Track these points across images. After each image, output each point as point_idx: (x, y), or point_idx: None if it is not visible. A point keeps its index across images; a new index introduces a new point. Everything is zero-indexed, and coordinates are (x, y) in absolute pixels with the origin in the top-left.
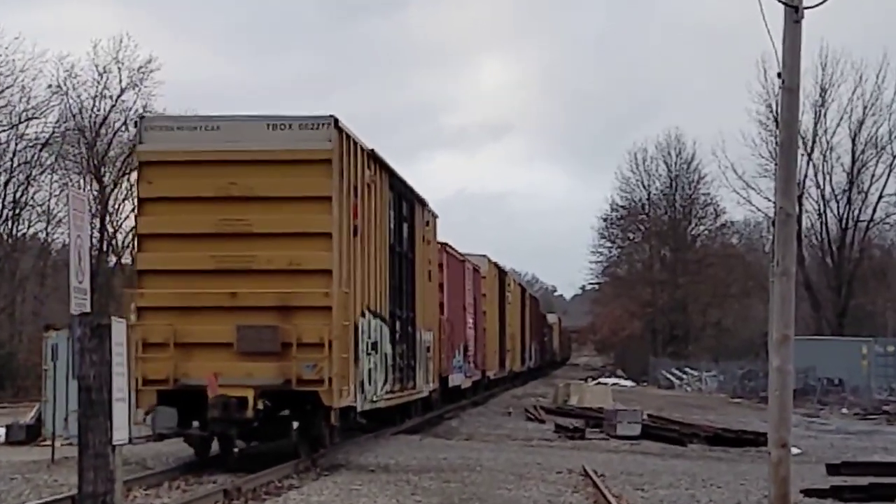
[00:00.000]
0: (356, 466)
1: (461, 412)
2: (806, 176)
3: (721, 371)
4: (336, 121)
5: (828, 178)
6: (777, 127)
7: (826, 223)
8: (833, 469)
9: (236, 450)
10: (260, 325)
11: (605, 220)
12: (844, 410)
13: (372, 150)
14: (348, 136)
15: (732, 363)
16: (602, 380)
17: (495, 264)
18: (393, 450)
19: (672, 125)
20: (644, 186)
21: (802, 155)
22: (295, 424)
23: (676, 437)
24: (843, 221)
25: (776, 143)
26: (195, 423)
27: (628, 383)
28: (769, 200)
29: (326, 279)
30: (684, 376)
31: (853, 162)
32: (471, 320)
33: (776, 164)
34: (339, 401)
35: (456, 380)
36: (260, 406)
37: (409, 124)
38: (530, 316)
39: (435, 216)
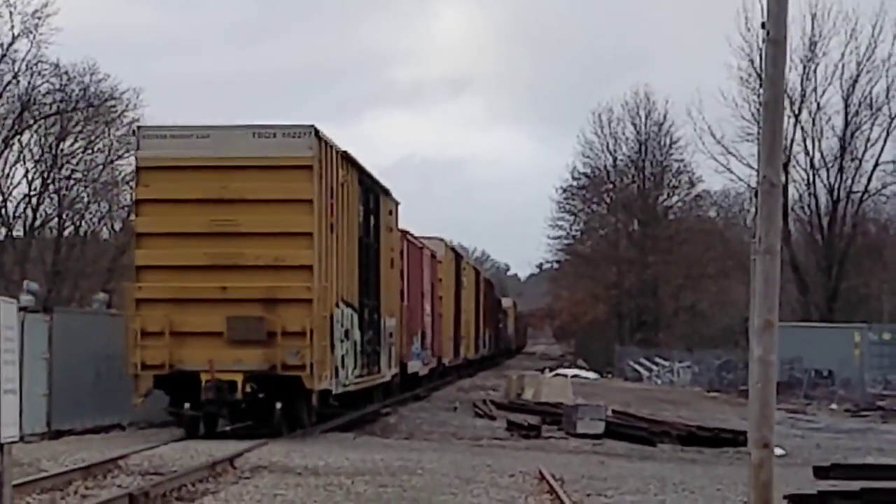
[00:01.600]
0: (280, 468)
1: (400, 407)
2: (793, 141)
3: (696, 361)
4: (316, 130)
5: (817, 143)
6: (760, 85)
7: (815, 194)
8: (821, 472)
9: (228, 429)
10: (248, 316)
11: (565, 190)
12: (834, 406)
13: (345, 152)
14: (326, 143)
15: (708, 353)
16: (561, 371)
17: (452, 248)
18: (322, 449)
19: (641, 81)
20: (609, 152)
21: (789, 117)
22: (278, 406)
23: (645, 435)
24: (835, 193)
25: (759, 103)
26: (187, 405)
27: (591, 375)
28: (751, 168)
29: (308, 274)
30: (654, 367)
31: (846, 125)
32: (428, 307)
33: (759, 127)
34: (319, 384)
35: (414, 366)
36: (248, 389)
37: (354, 78)
38: (485, 301)
39: (397, 203)
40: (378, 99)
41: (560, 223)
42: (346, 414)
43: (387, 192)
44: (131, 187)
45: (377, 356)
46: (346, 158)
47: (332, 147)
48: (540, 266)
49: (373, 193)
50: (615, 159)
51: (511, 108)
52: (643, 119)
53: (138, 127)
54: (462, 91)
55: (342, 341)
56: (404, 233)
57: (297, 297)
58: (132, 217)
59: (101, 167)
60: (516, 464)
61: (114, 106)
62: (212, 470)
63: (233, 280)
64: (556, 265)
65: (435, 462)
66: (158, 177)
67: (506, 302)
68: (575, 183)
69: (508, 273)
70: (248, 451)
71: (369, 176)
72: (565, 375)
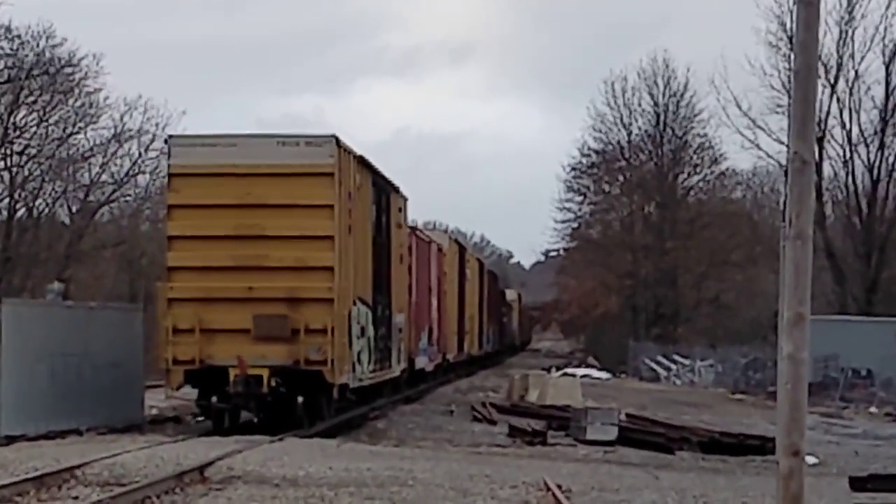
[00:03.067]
0: (256, 478)
1: (390, 410)
2: (828, 113)
3: (719, 360)
4: (337, 140)
5: (855, 115)
6: (792, 50)
7: (853, 173)
8: (858, 483)
9: (255, 420)
10: (273, 314)
11: (574, 168)
12: (873, 409)
13: (361, 157)
14: (345, 150)
15: (733, 350)
16: (569, 370)
17: (456, 241)
18: (302, 457)
19: (659, 47)
20: (623, 125)
21: (824, 86)
22: (300, 399)
23: (662, 442)
24: (875, 171)
25: (790, 70)
26: (214, 398)
27: (602, 375)
28: (781, 143)
29: (329, 275)
30: (673, 366)
31: (887, 95)
32: (434, 302)
33: (790, 98)
34: (339, 378)
35: (421, 362)
36: (273, 383)
37: (343, 44)
38: (489, 294)
39: (405, 199)
40: (370, 68)
41: (568, 205)
42: (353, 409)
43: (396, 190)
44: (90, 164)
45: (388, 352)
46: (362, 163)
47: (350, 153)
48: (546, 253)
49: (384, 193)
50: (630, 134)
51: (516, 77)
52: (661, 89)
53: (170, 136)
54: (463, 60)
55: (358, 338)
56: (412, 228)
57: (318, 296)
58: (165, 221)
59: (57, 142)
60: (519, 474)
61: (71, 74)
62: (179, 480)
63: (258, 280)
64: (563, 252)
65: (428, 472)
66: (188, 183)
67: (510, 294)
68: (585, 161)
69: (511, 261)
70: (220, 458)
71: (381, 176)
72: (574, 375)
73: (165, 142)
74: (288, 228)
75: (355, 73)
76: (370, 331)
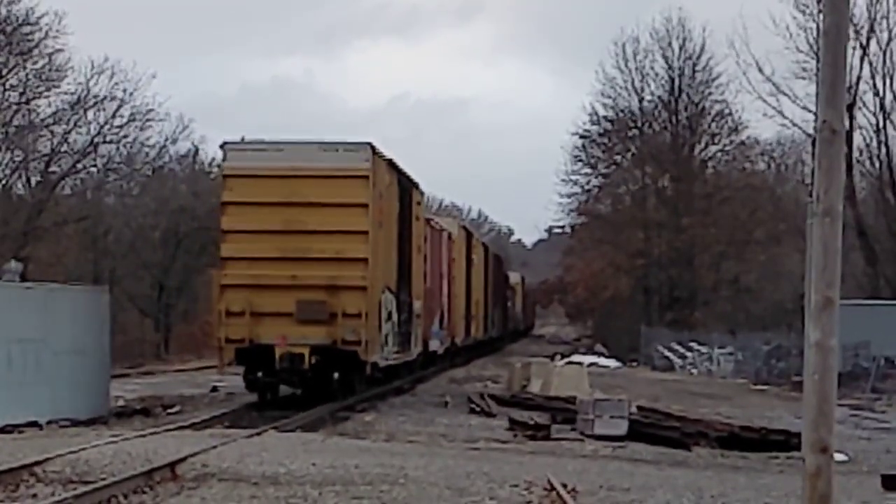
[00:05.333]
0: (232, 475)
1: (379, 402)
2: (860, 78)
3: (739, 347)
4: (372, 147)
5: (889, 80)
6: (820, 9)
7: (886, 143)
8: (890, 482)
9: (298, 392)
10: (313, 300)
11: (583, 136)
12: None
13: (390, 160)
14: (378, 155)
15: (755, 336)
16: (575, 358)
17: (464, 227)
18: (283, 453)
19: (674, 4)
20: (635, 91)
21: (854, 49)
22: (335, 375)
23: (677, 437)
24: None
25: (818, 31)
26: (259, 374)
27: (611, 363)
28: (808, 111)
29: (364, 266)
30: (689, 354)
31: None
32: (445, 288)
33: (818, 62)
34: (371, 357)
35: (434, 345)
36: (313, 361)
37: (337, 1)
38: (493, 278)
39: (422, 193)
40: (367, 27)
41: (575, 178)
42: (386, 383)
43: (416, 186)
44: (51, 132)
45: (409, 335)
46: (391, 165)
47: (381, 157)
48: (549, 230)
49: (407, 190)
50: (642, 100)
51: (524, 37)
52: (676, 51)
53: (225, 142)
54: (470, 18)
55: (386, 322)
56: (428, 220)
57: (354, 284)
58: (220, 217)
59: (14, 108)
60: (520, 471)
61: (30, 33)
62: (148, 478)
63: (301, 270)
64: (569, 229)
65: (421, 469)
66: (240, 183)
67: (513, 277)
68: (594, 129)
69: (512, 239)
70: (193, 454)
71: (405, 175)
72: (580, 363)
73: (221, 147)
74: (328, 224)
75: (350, 31)
76: (395, 316)
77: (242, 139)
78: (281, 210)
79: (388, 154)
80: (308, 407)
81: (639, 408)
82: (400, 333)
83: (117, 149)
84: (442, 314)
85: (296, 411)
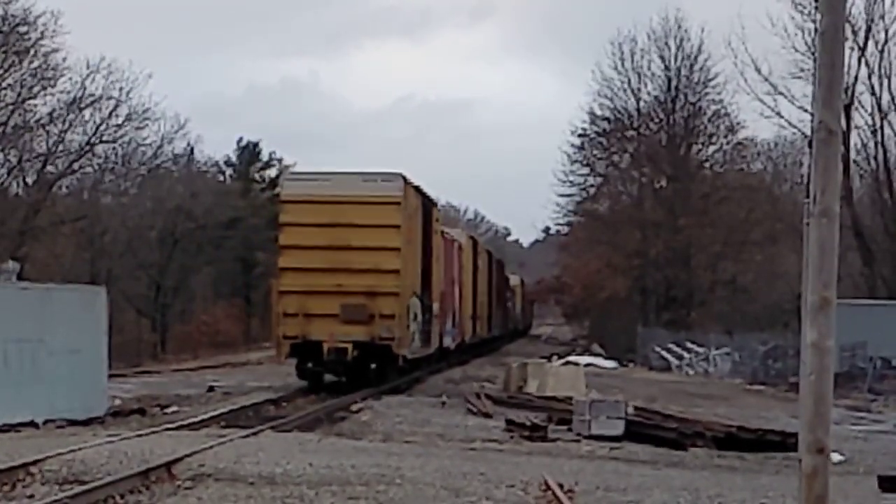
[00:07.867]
0: (229, 475)
1: (375, 402)
2: (857, 78)
3: (736, 347)
4: (404, 177)
5: (886, 81)
6: (817, 9)
7: (883, 143)
8: (887, 483)
9: (343, 379)
10: (355, 304)
11: (580, 136)
12: None
13: (417, 186)
14: (408, 183)
15: (751, 337)
16: (572, 358)
17: (471, 237)
18: (279, 453)
19: (671, 4)
20: (632, 91)
21: (852, 49)
22: (372, 366)
23: (673, 438)
24: None
25: (815, 30)
26: (309, 364)
27: (608, 363)
28: (805, 111)
29: (396, 276)
30: (685, 354)
31: None
32: (456, 291)
33: (815, 62)
34: (402, 351)
35: (447, 342)
36: (355, 354)
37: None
38: (496, 282)
39: (439, 210)
40: (374, 28)
41: (572, 178)
42: (412, 372)
43: (435, 204)
44: (48, 132)
45: (429, 333)
46: (417, 190)
47: (410, 185)
48: (547, 230)
49: (428, 210)
50: (639, 101)
51: (529, 38)
52: (673, 51)
53: (284, 169)
54: (481, 20)
55: (413, 321)
56: (442, 232)
57: (388, 290)
58: (278, 235)
59: (10, 107)
60: (516, 471)
61: (27, 33)
62: (145, 478)
63: (345, 279)
64: (566, 229)
65: (417, 469)
66: (295, 207)
67: (513, 279)
68: (592, 129)
69: (509, 239)
70: (190, 454)
71: (427, 197)
72: (577, 364)
73: (278, 175)
74: (367, 241)
75: (356, 31)
76: (419, 317)
77: (295, 169)
78: (328, 230)
79: (415, 181)
80: (350, 391)
81: (635, 408)
82: (423, 331)
83: (114, 149)
84: (454, 314)
85: (337, 395)
